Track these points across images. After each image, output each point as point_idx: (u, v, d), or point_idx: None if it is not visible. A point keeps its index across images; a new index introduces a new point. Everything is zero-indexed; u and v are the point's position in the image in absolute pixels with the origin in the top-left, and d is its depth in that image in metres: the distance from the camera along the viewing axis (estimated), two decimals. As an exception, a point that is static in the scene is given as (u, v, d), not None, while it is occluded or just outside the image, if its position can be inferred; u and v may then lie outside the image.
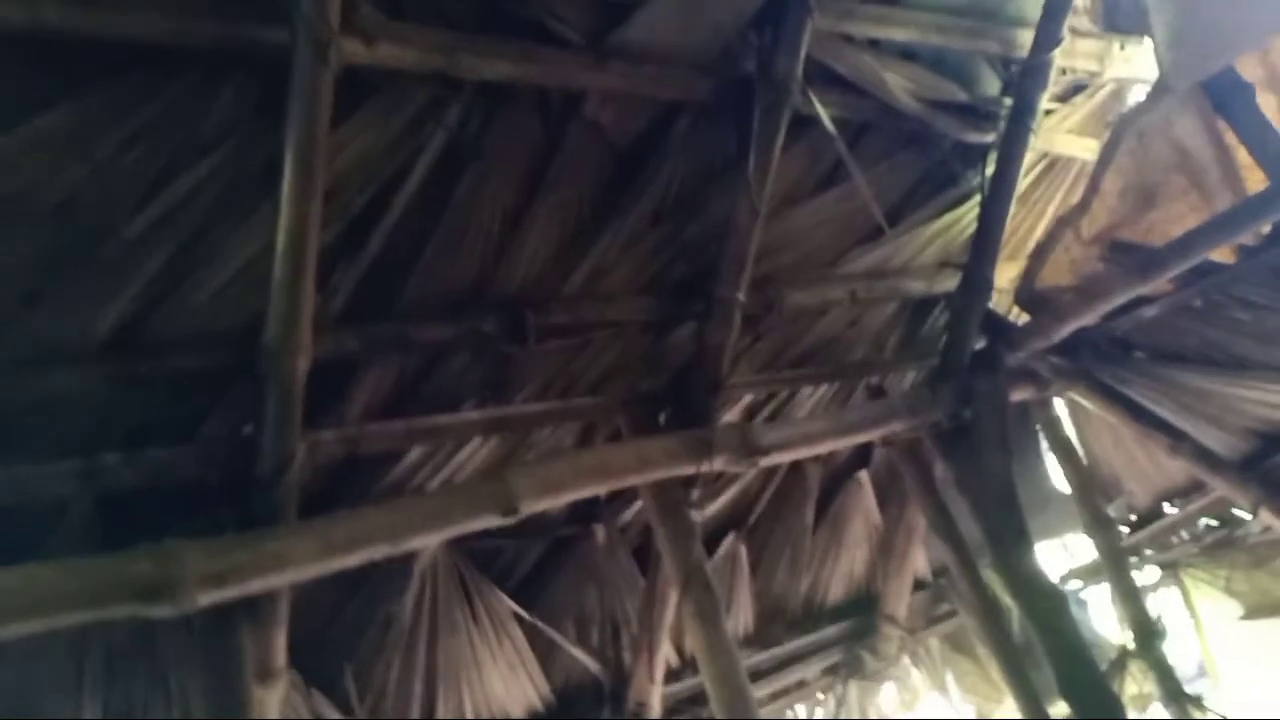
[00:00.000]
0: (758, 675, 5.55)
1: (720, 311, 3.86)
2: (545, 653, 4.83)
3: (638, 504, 4.75)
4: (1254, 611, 4.90)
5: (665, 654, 4.87)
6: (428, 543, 3.94)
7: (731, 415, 4.62)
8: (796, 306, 4.39)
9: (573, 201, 3.58)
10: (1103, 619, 6.14)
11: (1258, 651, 4.98)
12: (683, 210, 3.82)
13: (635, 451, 3.75)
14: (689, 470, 3.74)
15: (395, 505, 3.42)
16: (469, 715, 4.54)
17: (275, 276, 2.77)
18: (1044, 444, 5.82)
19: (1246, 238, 4.16)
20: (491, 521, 3.17)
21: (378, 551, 2.92)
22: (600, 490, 3.93)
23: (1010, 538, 4.43)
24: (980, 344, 4.68)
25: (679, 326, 4.10)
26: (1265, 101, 3.78)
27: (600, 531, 4.81)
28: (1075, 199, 4.63)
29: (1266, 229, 4.17)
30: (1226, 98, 3.82)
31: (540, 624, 4.73)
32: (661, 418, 4.16)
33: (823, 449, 4.75)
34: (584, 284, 3.79)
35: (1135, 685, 5.58)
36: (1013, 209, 4.37)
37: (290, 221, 2.68)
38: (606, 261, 3.80)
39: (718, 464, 3.77)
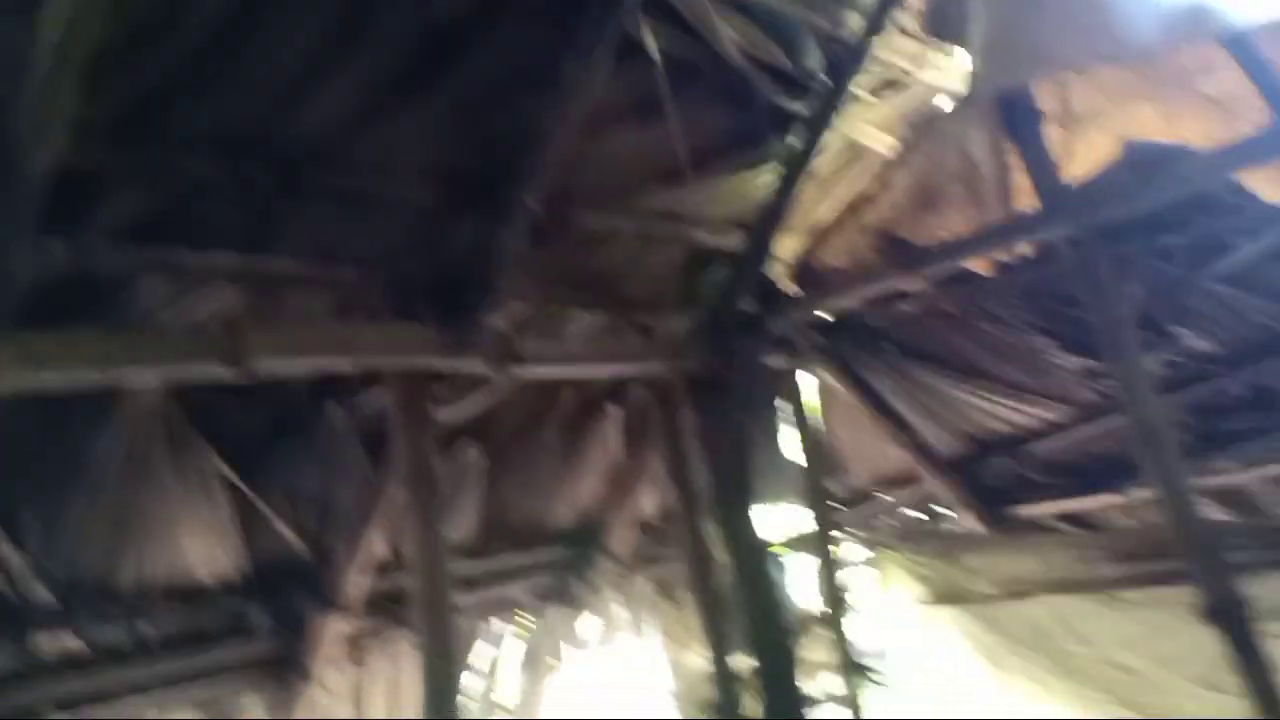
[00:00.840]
0: (469, 584, 5.56)
1: (509, 214, 3.77)
2: (250, 524, 4.63)
3: (379, 390, 4.60)
4: (938, 598, 5.31)
5: (377, 546, 4.80)
6: (144, 381, 3.68)
7: (497, 323, 4.54)
8: (585, 230, 4.37)
9: (380, 64, 3.37)
10: (804, 587, 6.49)
11: (936, 635, 5.39)
12: (492, 103, 3.68)
13: (387, 334, 3.64)
14: (439, 365, 3.67)
15: (112, 332, 3.15)
16: (153, 572, 4.32)
17: (40, 60, 2.47)
18: (784, 412, 6.04)
19: (1007, 255, 4.44)
20: (216, 372, 2.99)
21: (85, 376, 2.71)
22: (342, 367, 3.78)
23: (734, 494, 4.62)
24: (749, 306, 4.81)
25: (464, 220, 3.97)
26: (1053, 133, 4.01)
27: (334, 410, 4.65)
28: (865, 188, 4.80)
29: (1029, 251, 4.45)
30: (1017, 121, 4.02)
31: (250, 493, 4.53)
32: (426, 310, 4.03)
33: (578, 374, 4.80)
34: (374, 153, 3.61)
35: (817, 651, 5.94)
36: (808, 185, 4.49)
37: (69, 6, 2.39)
38: (403, 135, 3.62)
39: (470, 364, 3.72)
